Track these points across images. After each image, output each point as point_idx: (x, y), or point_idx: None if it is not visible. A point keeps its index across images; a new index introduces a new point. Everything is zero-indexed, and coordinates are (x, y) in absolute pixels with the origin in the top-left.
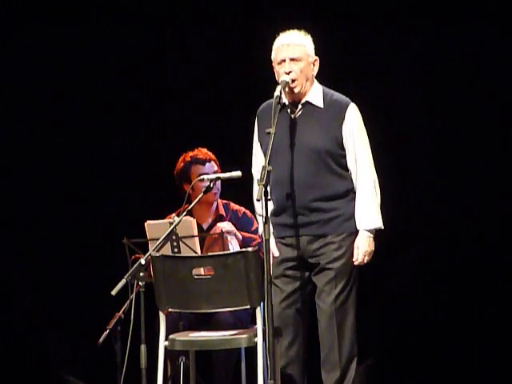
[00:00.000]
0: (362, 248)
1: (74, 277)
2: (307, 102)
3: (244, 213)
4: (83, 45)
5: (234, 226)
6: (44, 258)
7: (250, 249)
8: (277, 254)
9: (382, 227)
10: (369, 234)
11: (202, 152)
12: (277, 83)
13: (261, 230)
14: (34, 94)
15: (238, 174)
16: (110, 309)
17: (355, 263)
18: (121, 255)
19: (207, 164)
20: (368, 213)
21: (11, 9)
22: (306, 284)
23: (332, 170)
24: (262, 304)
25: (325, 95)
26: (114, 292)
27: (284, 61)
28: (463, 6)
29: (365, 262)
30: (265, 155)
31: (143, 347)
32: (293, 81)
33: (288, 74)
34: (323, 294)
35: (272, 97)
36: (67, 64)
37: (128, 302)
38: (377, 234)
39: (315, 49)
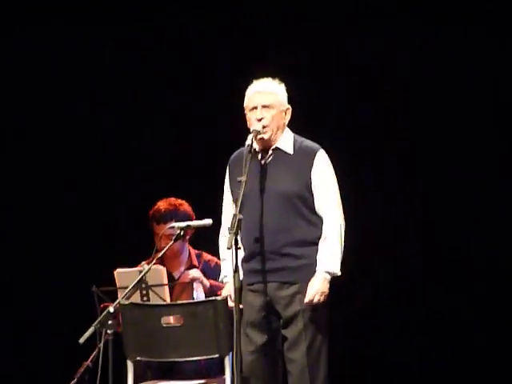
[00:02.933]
0: (317, 287)
1: (41, 325)
2: (277, 149)
3: (216, 263)
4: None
5: (205, 275)
6: (15, 305)
7: (219, 297)
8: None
9: (339, 274)
10: (327, 275)
11: (165, 209)
12: (248, 130)
13: (222, 276)
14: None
15: (208, 222)
16: (77, 357)
17: (305, 301)
18: (90, 303)
19: (164, 224)
20: (330, 256)
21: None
22: (276, 333)
23: (302, 215)
24: (230, 353)
25: (295, 142)
26: (81, 340)
27: (256, 108)
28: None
29: (315, 301)
30: (235, 203)
31: None
32: (264, 127)
33: (259, 120)
34: (294, 346)
35: (243, 146)
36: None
37: (96, 350)
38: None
39: (288, 98)
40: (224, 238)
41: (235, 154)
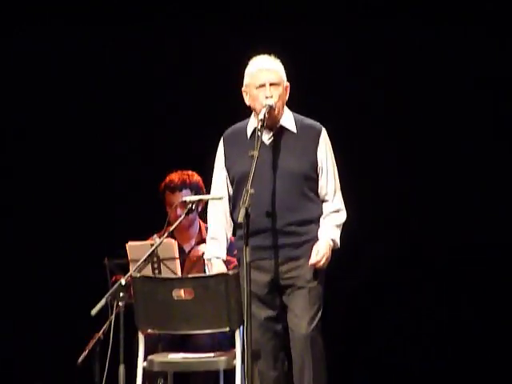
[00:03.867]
0: (323, 250)
1: (54, 297)
2: (281, 127)
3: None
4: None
5: None
6: (25, 278)
7: (230, 272)
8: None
9: (339, 247)
10: (331, 242)
11: (178, 178)
12: (246, 107)
13: (211, 255)
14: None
15: (220, 195)
16: (89, 329)
17: (310, 263)
18: (102, 276)
19: (179, 192)
20: (335, 227)
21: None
22: (279, 308)
23: (305, 193)
24: (241, 327)
25: (296, 120)
26: (93, 312)
27: (263, 85)
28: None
29: (320, 265)
30: (241, 179)
31: (122, 368)
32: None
33: (269, 98)
34: (297, 318)
35: (237, 122)
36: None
37: (108, 322)
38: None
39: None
40: (213, 215)
41: (230, 130)
